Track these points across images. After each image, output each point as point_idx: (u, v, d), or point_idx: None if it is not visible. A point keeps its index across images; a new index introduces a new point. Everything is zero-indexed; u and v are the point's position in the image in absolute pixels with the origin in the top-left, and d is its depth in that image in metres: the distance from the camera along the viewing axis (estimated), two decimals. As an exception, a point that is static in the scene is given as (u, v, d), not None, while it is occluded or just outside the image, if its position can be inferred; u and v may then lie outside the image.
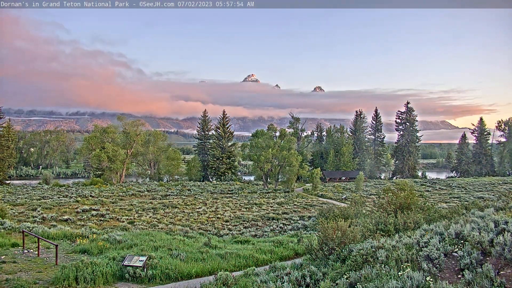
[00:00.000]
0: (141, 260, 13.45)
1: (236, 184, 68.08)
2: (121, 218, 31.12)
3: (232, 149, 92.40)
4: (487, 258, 8.25)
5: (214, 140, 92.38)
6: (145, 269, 13.35)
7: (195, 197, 47.62)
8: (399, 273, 8.19)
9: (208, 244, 18.66)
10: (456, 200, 45.12)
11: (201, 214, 35.14)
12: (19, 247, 16.78)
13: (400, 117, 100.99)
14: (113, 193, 47.92)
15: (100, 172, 73.16)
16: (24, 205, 36.04)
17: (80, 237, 19.30)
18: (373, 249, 10.50)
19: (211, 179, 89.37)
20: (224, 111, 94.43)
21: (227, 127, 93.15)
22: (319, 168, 67.39)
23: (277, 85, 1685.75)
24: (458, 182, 73.38)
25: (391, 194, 21.52)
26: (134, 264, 13.24)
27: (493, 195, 45.05)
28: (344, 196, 49.91)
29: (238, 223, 31.04)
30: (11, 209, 32.03)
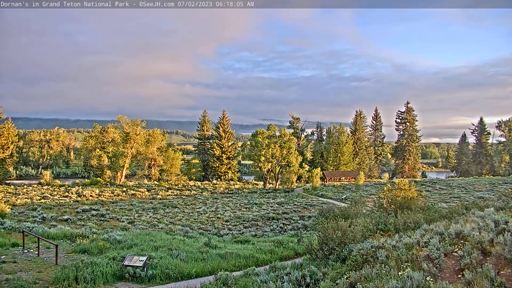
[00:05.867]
0: (141, 260, 13.44)
1: (236, 184, 68.12)
2: (121, 218, 31.10)
3: (232, 149, 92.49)
4: (487, 258, 8.25)
5: (214, 140, 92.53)
6: (145, 269, 13.35)
7: (195, 197, 47.63)
8: (399, 273, 8.18)
9: (208, 244, 18.66)
10: (456, 200, 45.05)
11: (201, 214, 35.14)
12: (19, 247, 16.78)
13: (400, 117, 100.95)
14: (113, 193, 47.93)
15: (100, 172, 73.21)
16: (24, 205, 36.05)
17: (80, 237, 19.30)
18: (373, 249, 10.50)
19: (211, 179, 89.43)
20: (224, 111, 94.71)
21: (227, 127, 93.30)
22: (319, 168, 67.38)
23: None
24: (458, 182, 73.35)
25: (391, 194, 21.56)
26: (134, 264, 13.24)
27: (493, 195, 45.02)
28: (344, 196, 49.87)
29: (238, 223, 31.01)
30: (11, 209, 32.03)
